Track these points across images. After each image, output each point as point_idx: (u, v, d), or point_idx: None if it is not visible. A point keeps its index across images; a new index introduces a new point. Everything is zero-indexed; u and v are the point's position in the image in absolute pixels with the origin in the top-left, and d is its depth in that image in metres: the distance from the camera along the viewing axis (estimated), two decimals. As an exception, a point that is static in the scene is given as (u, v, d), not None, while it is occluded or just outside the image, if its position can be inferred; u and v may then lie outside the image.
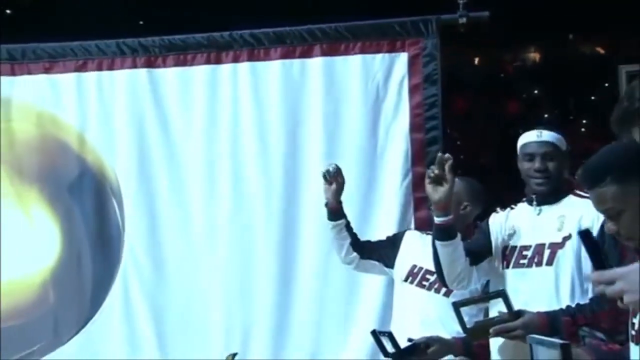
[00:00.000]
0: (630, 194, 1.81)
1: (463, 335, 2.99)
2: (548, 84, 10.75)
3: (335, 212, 3.48)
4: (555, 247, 2.83)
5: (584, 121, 11.10)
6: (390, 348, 3.08)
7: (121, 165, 4.25)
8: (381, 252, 3.52)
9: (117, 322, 4.20)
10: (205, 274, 4.15)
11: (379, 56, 4.07)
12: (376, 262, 3.53)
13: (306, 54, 4.12)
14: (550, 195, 2.90)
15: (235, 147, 4.14)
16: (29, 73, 4.33)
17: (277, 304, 4.08)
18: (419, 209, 3.96)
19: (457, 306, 2.79)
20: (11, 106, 4.33)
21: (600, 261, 1.78)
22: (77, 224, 4.26)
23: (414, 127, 4.02)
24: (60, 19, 5.67)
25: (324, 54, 4.10)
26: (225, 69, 4.17)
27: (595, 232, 2.66)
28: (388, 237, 3.61)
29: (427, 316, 3.25)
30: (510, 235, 2.99)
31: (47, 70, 4.32)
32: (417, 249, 3.38)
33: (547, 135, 2.93)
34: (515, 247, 2.94)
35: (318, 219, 3.83)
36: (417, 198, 3.96)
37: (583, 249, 2.56)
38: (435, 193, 2.86)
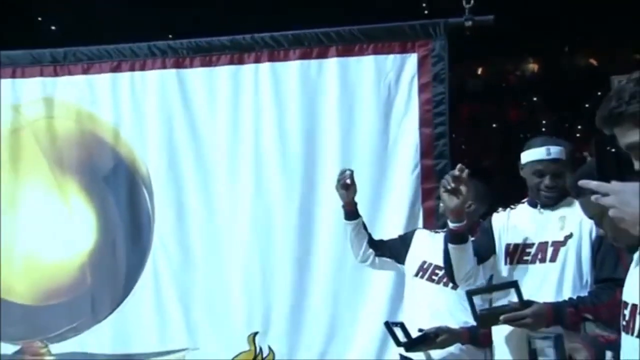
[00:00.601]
0: None
1: (470, 325, 2.92)
2: (546, 92, 10.66)
3: (352, 212, 3.38)
4: (558, 245, 2.74)
5: (579, 127, 10.93)
6: (402, 337, 3.01)
7: (152, 158, 4.14)
8: (393, 250, 3.42)
9: (148, 302, 4.09)
10: (228, 259, 4.02)
11: (391, 57, 3.93)
12: (389, 259, 3.42)
13: (323, 55, 3.99)
14: (559, 199, 2.84)
15: (257, 141, 4.01)
16: (69, 74, 4.24)
17: (295, 287, 3.94)
18: (426, 199, 3.84)
19: (470, 294, 2.71)
20: (53, 104, 4.25)
21: (605, 172, 1.67)
22: (112, 212, 4.17)
23: (423, 122, 3.88)
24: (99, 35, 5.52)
25: (339, 54, 3.97)
26: (248, 69, 4.05)
27: (594, 233, 2.62)
28: (400, 236, 3.51)
29: (436, 308, 3.16)
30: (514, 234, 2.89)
31: (85, 71, 4.23)
32: (426, 246, 3.30)
33: (555, 152, 2.82)
34: (519, 245, 2.85)
35: (334, 207, 3.69)
36: (425, 189, 3.85)
37: (584, 248, 2.69)
38: (451, 202, 2.74)
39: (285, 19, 4.37)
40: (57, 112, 4.23)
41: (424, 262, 3.24)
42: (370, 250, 3.40)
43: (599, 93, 9.96)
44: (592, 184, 1.64)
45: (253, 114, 4.01)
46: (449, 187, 2.72)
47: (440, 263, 3.00)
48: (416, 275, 3.26)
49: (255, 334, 3.94)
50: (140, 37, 4.29)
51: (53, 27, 5.53)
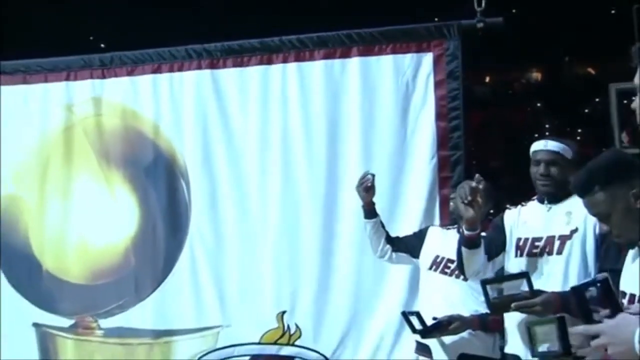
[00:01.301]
0: (615, 199, 1.73)
1: (480, 313, 2.85)
2: (549, 99, 10.42)
3: (371, 212, 3.22)
4: (565, 238, 2.62)
5: (579, 130, 10.60)
6: (418, 325, 2.93)
7: (188, 151, 3.95)
8: (409, 245, 3.26)
9: (185, 283, 3.89)
10: (259, 244, 3.81)
11: (408, 56, 3.71)
12: (405, 254, 3.26)
13: (345, 54, 3.77)
14: (558, 195, 2.67)
15: (285, 135, 3.80)
16: (115, 76, 4.08)
17: (320, 271, 3.72)
18: (443, 186, 3.61)
19: (484, 283, 2.58)
20: (101, 103, 4.10)
21: (588, 316, 1.63)
22: (152, 201, 3.99)
23: (439, 116, 3.65)
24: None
25: (361, 54, 3.75)
26: (276, 68, 3.84)
27: (598, 227, 2.50)
28: (414, 233, 3.34)
29: (449, 298, 3.03)
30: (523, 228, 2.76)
31: (129, 73, 4.07)
32: (439, 241, 3.16)
33: (552, 144, 2.72)
34: (528, 238, 2.71)
35: (356, 199, 3.46)
36: (441, 177, 3.63)
37: (589, 241, 2.57)
38: (467, 213, 2.64)
39: (306, 23, 4.13)
40: (105, 110, 4.08)
41: (437, 256, 3.11)
42: (388, 246, 3.25)
43: (597, 99, 9.67)
44: (580, 329, 1.56)
45: (281, 109, 3.80)
46: (465, 201, 2.61)
47: (452, 257, 2.91)
48: (430, 268, 3.12)
49: (284, 312, 3.72)
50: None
51: (102, 45, 5.35)
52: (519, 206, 2.81)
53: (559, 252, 2.61)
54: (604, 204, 1.75)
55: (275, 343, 3.72)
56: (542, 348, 1.93)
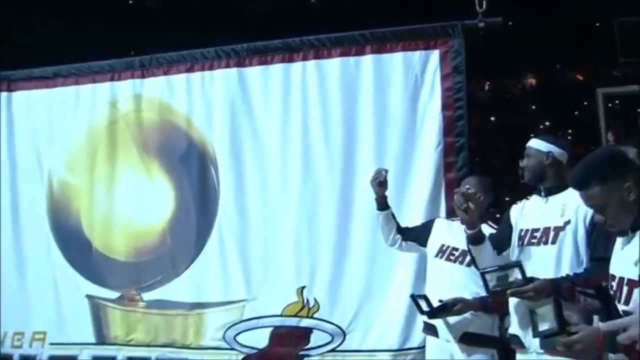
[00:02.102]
0: (611, 192, 1.67)
1: (481, 296, 2.72)
2: (542, 102, 10.04)
3: (383, 204, 3.04)
4: (558, 229, 2.46)
5: (570, 131, 10.14)
6: (425, 307, 2.81)
7: (217, 141, 3.70)
8: (417, 235, 3.06)
9: (214, 260, 3.65)
10: (280, 224, 3.55)
11: (417, 53, 3.43)
12: (414, 243, 3.07)
13: (359, 52, 3.50)
14: (554, 187, 2.52)
15: (305, 126, 3.54)
16: (153, 75, 3.87)
17: (336, 250, 3.45)
18: (448, 171, 3.34)
19: (483, 273, 2.50)
20: (141, 100, 3.89)
21: (611, 312, 1.57)
22: (186, 187, 3.76)
23: (445, 106, 3.37)
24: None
25: (374, 52, 3.48)
26: (297, 66, 3.59)
27: (588, 219, 2.38)
28: (422, 223, 3.13)
29: (453, 282, 2.85)
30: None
31: (165, 73, 3.84)
32: (445, 231, 2.98)
33: (531, 142, 2.62)
34: (528, 229, 2.56)
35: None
36: (447, 162, 3.35)
37: (580, 232, 2.42)
38: (464, 216, 2.60)
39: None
40: (144, 106, 3.86)
41: (443, 245, 2.93)
42: (398, 236, 3.06)
43: (585, 103, 9.27)
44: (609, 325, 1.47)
45: (301, 102, 3.55)
46: (461, 208, 2.55)
47: (457, 245, 2.83)
48: (436, 256, 2.94)
49: (303, 287, 3.46)
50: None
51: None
52: (524, 200, 2.65)
53: (553, 242, 2.46)
54: (600, 197, 1.68)
55: (295, 315, 3.47)
56: (542, 327, 1.82)
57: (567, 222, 2.44)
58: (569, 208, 2.44)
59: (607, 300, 1.60)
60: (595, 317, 1.96)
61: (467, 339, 2.79)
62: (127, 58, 3.96)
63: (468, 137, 3.34)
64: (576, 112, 9.64)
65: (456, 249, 2.85)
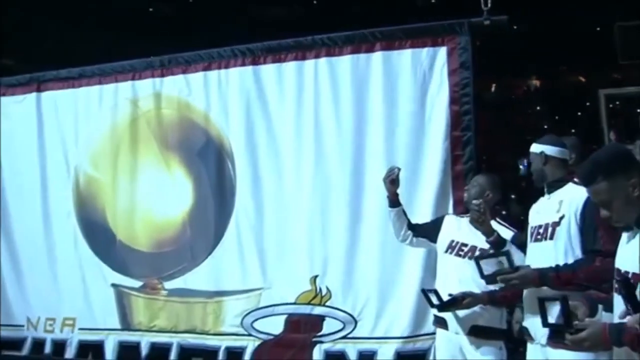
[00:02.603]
0: (616, 188, 1.65)
1: (489, 290, 2.67)
2: (546, 103, 9.89)
3: (395, 202, 2.96)
4: (555, 225, 2.40)
5: (572, 130, 9.96)
6: (435, 301, 2.75)
7: (234, 136, 3.65)
8: (428, 231, 2.98)
9: (232, 251, 3.60)
10: (294, 216, 3.49)
11: (425, 49, 3.34)
12: (425, 239, 2.99)
13: (369, 50, 3.42)
14: (554, 184, 2.46)
15: (317, 120, 3.47)
16: (172, 74, 3.82)
17: (349, 240, 3.38)
18: (455, 164, 3.25)
19: (477, 259, 2.53)
20: (161, 98, 3.85)
21: (637, 304, 1.52)
22: (204, 180, 3.71)
23: (452, 101, 3.27)
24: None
25: (383, 49, 3.39)
26: (309, 63, 3.51)
27: (579, 212, 2.32)
28: (432, 220, 3.07)
29: (463, 277, 2.77)
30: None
31: (184, 72, 3.79)
32: (454, 228, 2.90)
33: (531, 146, 2.55)
34: (535, 226, 2.50)
35: (381, 175, 3.16)
36: (455, 155, 3.26)
37: (572, 226, 2.36)
38: (481, 226, 2.66)
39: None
40: (164, 103, 3.82)
41: (452, 241, 2.85)
42: (409, 232, 2.99)
43: (588, 103, 9.12)
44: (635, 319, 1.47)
45: (314, 98, 3.48)
46: (480, 220, 2.63)
47: (465, 241, 2.78)
48: (446, 251, 2.87)
49: (316, 276, 3.40)
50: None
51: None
52: (541, 198, 2.56)
53: (551, 238, 2.40)
54: (606, 193, 1.66)
55: (308, 303, 3.41)
56: (551, 320, 1.79)
57: (562, 217, 2.39)
58: (564, 203, 2.39)
59: (630, 292, 1.56)
60: (600, 307, 1.91)
61: (476, 332, 2.73)
62: (147, 58, 3.93)
63: (474, 132, 3.24)
64: (579, 113, 9.48)
65: (465, 245, 2.79)
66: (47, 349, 3.92)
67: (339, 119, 3.42)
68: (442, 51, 3.30)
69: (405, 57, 3.34)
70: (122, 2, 6.49)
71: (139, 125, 3.87)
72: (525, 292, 2.47)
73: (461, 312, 2.73)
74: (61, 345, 3.88)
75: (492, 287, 2.61)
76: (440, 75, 3.28)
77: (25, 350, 3.97)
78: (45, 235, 4.00)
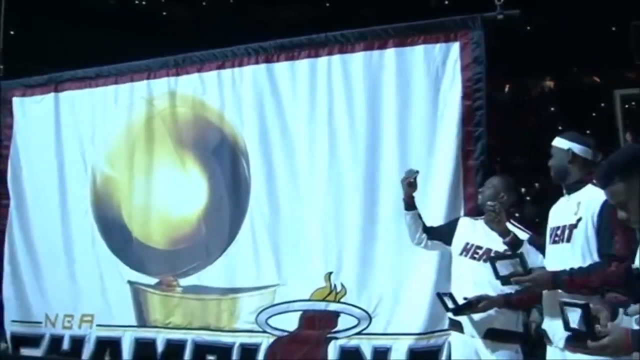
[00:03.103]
0: (632, 188, 1.63)
1: (505, 293, 2.64)
2: (560, 104, 9.77)
3: (410, 205, 2.93)
4: (572, 227, 2.34)
5: (587, 132, 9.81)
6: (450, 304, 2.73)
7: (248, 134, 3.66)
8: (442, 234, 2.96)
9: (247, 248, 3.61)
10: (309, 213, 3.48)
11: (438, 45, 3.32)
12: (439, 242, 2.96)
13: (382, 46, 3.41)
14: (574, 184, 2.40)
15: (331, 117, 3.47)
16: (187, 73, 3.85)
17: (363, 237, 3.37)
18: (467, 159, 3.22)
19: (493, 260, 2.50)
20: (176, 97, 3.88)
21: None
22: (219, 178, 3.73)
23: (465, 96, 3.24)
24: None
25: (396, 45, 3.38)
26: (322, 60, 3.52)
27: (596, 215, 2.27)
28: (446, 223, 3.03)
29: (478, 280, 2.73)
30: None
31: (198, 70, 3.83)
32: (468, 230, 2.87)
33: (555, 140, 2.49)
34: (552, 227, 2.45)
35: (394, 171, 3.23)
36: (466, 150, 3.23)
37: (590, 229, 2.30)
38: (497, 227, 2.63)
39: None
40: (178, 102, 3.85)
41: (467, 243, 2.82)
42: (424, 235, 2.96)
43: (602, 104, 8.99)
44: None
45: (327, 95, 3.48)
46: (495, 220, 2.61)
47: (480, 244, 2.74)
48: (461, 254, 2.83)
49: (331, 273, 3.39)
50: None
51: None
52: (560, 198, 2.52)
53: (568, 240, 2.35)
54: (622, 194, 1.64)
55: (323, 300, 3.39)
56: (573, 325, 1.76)
57: (579, 220, 2.34)
58: (582, 206, 2.34)
59: None
60: (621, 310, 1.85)
61: (492, 335, 2.70)
62: (162, 57, 3.95)
63: (487, 127, 3.21)
64: (593, 113, 9.36)
65: (480, 248, 2.75)
66: (65, 345, 3.96)
67: (352, 116, 3.42)
68: (455, 46, 3.28)
69: (417, 53, 3.33)
70: (135, 5, 6.57)
71: (154, 124, 3.90)
72: (544, 294, 2.43)
73: (477, 315, 2.70)
74: (79, 342, 3.92)
75: (507, 290, 2.58)
76: (452, 71, 3.26)
77: (43, 347, 4.01)
78: (63, 233, 4.04)
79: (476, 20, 3.27)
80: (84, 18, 6.56)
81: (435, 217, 3.04)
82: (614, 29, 8.22)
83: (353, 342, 3.31)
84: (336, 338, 3.34)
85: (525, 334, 2.87)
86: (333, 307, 3.37)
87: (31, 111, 4.26)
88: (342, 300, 3.36)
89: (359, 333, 3.31)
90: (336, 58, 3.47)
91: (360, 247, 3.35)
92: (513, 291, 2.62)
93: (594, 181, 2.25)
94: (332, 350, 3.33)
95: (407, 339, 3.21)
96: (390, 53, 3.38)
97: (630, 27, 6.46)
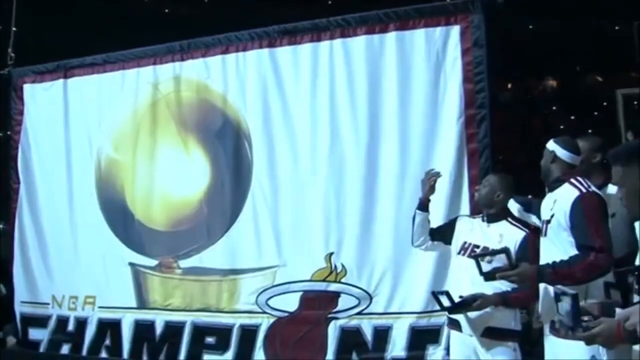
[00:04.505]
0: (628, 176, 1.74)
1: (501, 292, 2.65)
2: (563, 103, 9.75)
3: (425, 206, 2.91)
4: (547, 222, 2.46)
5: (589, 130, 9.79)
6: (446, 303, 2.71)
7: (251, 117, 3.67)
8: (443, 234, 2.95)
9: (248, 229, 3.62)
10: (310, 195, 3.49)
11: (438, 29, 3.33)
12: (440, 242, 2.96)
13: (383, 30, 3.42)
14: (554, 183, 2.48)
15: (332, 100, 3.48)
16: (192, 58, 3.87)
17: (363, 218, 3.38)
18: (470, 142, 3.22)
19: (476, 257, 2.55)
20: (180, 81, 3.90)
21: (626, 297, 1.62)
22: (221, 160, 3.74)
23: (466, 80, 3.25)
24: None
25: (397, 29, 3.39)
26: (324, 45, 3.53)
27: (567, 211, 2.35)
28: (446, 223, 3.01)
29: (475, 278, 2.67)
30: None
31: (203, 55, 3.84)
32: (467, 229, 2.86)
33: (548, 142, 2.55)
34: (542, 221, 2.53)
35: (395, 151, 3.26)
36: (469, 134, 3.23)
37: (560, 225, 2.38)
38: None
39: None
40: (183, 86, 3.87)
41: (465, 242, 2.82)
42: (428, 237, 2.95)
43: (605, 103, 8.97)
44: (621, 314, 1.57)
45: (329, 79, 3.49)
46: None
47: (478, 242, 2.74)
48: (459, 252, 2.83)
49: (331, 254, 3.40)
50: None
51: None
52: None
53: (545, 234, 2.47)
54: (620, 178, 1.76)
55: (324, 280, 3.40)
56: (562, 313, 1.83)
57: (552, 216, 2.41)
58: (557, 203, 2.40)
59: (625, 290, 1.64)
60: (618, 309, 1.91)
61: (489, 333, 2.70)
62: (168, 43, 3.97)
63: (490, 109, 3.22)
64: (596, 113, 9.33)
65: (477, 247, 2.75)
66: (71, 326, 3.99)
67: (354, 99, 3.43)
68: (455, 30, 3.29)
69: (418, 37, 3.34)
70: (138, 3, 6.61)
71: (159, 108, 3.92)
72: (541, 293, 2.46)
73: (473, 314, 2.69)
74: (83, 323, 3.94)
75: (504, 288, 2.60)
76: (453, 54, 3.27)
77: (50, 327, 4.04)
78: (70, 215, 4.07)
79: (476, 3, 3.28)
80: (84, 18, 6.62)
81: (437, 199, 3.02)
82: (617, 28, 8.21)
83: (353, 322, 3.32)
84: (337, 318, 3.35)
85: (524, 332, 2.85)
86: (333, 287, 3.38)
87: (41, 97, 4.30)
88: (342, 280, 3.37)
89: (360, 313, 3.32)
90: (338, 42, 3.49)
91: (360, 228, 3.36)
92: (510, 289, 2.62)
93: (572, 180, 2.39)
94: (333, 330, 3.34)
95: (407, 318, 3.22)
96: (391, 37, 3.39)
97: (633, 27, 6.45)
